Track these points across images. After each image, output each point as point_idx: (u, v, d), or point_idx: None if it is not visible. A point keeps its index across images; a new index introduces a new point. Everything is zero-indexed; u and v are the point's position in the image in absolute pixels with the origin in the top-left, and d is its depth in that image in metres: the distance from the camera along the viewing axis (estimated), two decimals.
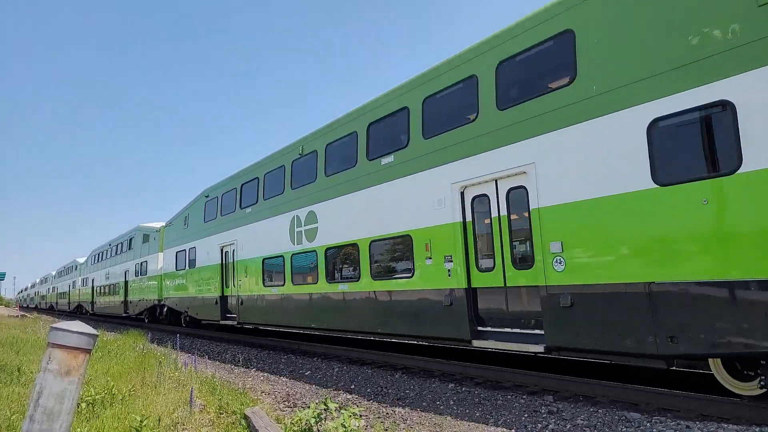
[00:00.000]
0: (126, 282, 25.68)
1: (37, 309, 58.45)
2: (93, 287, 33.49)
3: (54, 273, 53.26)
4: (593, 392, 6.27)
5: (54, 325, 3.63)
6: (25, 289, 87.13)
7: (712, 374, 5.47)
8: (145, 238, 23.25)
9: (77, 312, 38.68)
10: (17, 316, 31.05)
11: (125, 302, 25.70)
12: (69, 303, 42.28)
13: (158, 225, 22.07)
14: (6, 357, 9.41)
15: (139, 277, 23.41)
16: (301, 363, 10.45)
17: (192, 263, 17.13)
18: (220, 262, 15.06)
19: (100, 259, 32.54)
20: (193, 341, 15.94)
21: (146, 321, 23.51)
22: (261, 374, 9.52)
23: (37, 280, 69.55)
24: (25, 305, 71.99)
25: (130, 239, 25.64)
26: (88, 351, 3.67)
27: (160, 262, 20.71)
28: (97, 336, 3.77)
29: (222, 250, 15.01)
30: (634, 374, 7.24)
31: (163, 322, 21.47)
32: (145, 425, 4.52)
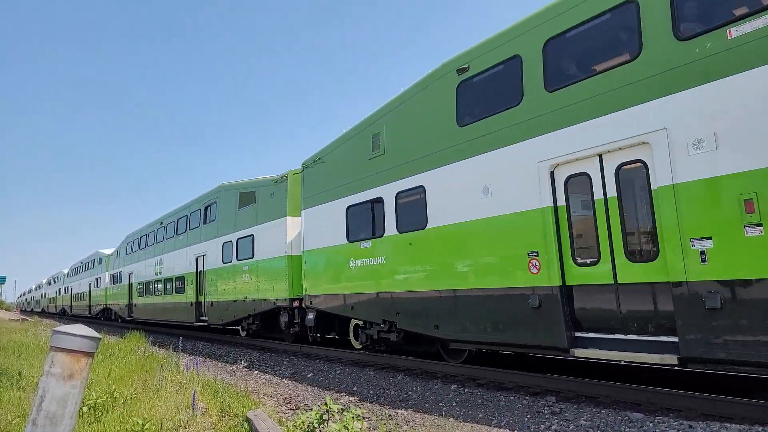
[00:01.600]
0: (199, 274, 17.15)
1: (42, 314, 51.01)
2: (131, 284, 24.93)
3: (66, 271, 44.77)
4: (596, 392, 6.26)
5: (56, 329, 3.63)
6: (28, 292, 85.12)
7: (715, 374, 5.44)
8: (246, 199, 14.48)
9: (102, 318, 31.69)
10: (18, 320, 31.05)
11: (197, 305, 17.16)
12: (90, 306, 33.77)
13: (267, 177, 13.81)
14: (7, 361, 9.40)
15: (232, 263, 14.93)
16: (303, 365, 10.44)
17: (411, 222, 8.57)
18: (550, 204, 6.42)
19: (141, 246, 23.91)
20: (195, 344, 15.92)
21: (244, 334, 15.05)
22: (263, 377, 9.51)
23: (44, 281, 62.82)
24: (28, 309, 69.67)
25: (206, 207, 17.06)
26: (90, 354, 3.67)
27: (290, 233, 12.38)
28: (99, 339, 3.77)
29: (553, 179, 6.48)
30: (636, 375, 7.23)
31: (289, 338, 12.99)
32: (147, 428, 4.51)
